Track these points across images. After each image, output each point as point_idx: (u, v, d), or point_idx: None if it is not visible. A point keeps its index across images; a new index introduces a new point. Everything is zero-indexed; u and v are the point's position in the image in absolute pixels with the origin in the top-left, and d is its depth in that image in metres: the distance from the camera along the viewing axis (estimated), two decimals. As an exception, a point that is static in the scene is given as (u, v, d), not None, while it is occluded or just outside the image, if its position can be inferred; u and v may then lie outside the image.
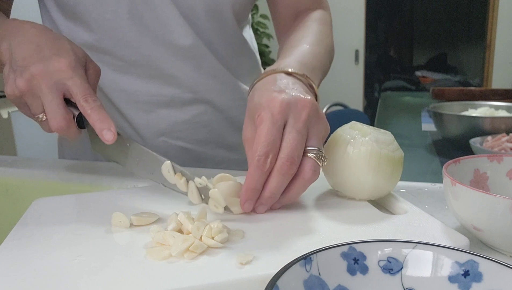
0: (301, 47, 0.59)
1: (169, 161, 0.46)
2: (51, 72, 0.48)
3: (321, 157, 0.44)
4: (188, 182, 0.45)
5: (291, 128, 0.43)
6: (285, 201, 0.44)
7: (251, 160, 0.43)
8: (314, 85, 0.51)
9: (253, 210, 0.44)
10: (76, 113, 0.50)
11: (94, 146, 0.52)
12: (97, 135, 0.49)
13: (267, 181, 0.42)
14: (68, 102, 0.50)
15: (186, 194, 0.46)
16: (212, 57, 0.71)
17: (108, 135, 0.46)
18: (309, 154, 0.43)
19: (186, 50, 0.68)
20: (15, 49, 0.50)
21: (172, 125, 0.73)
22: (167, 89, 0.71)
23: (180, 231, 0.38)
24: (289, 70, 0.49)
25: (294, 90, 0.45)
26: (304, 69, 0.52)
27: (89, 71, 0.53)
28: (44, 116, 0.50)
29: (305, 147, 0.44)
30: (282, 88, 0.45)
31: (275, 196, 0.43)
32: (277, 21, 0.76)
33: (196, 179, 0.45)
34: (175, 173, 0.46)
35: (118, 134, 0.48)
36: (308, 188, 0.44)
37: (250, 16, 0.81)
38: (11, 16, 0.68)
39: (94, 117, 0.47)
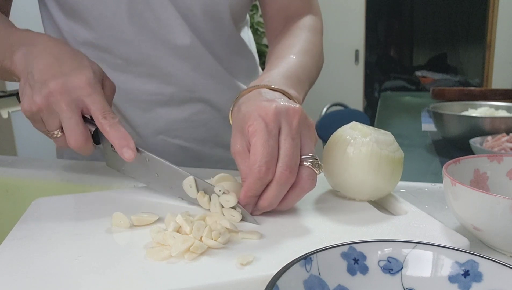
0: (288, 58, 0.58)
1: (192, 177, 0.45)
2: (70, 89, 0.47)
3: (317, 165, 0.43)
4: (210, 197, 0.44)
5: (286, 136, 0.42)
6: (280, 209, 0.44)
7: (246, 173, 0.42)
8: (299, 99, 0.50)
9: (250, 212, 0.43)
10: (92, 129, 0.49)
11: (109, 162, 0.52)
12: (112, 151, 0.49)
13: (265, 191, 0.42)
14: (84, 118, 0.49)
15: (208, 209, 0.45)
16: (210, 57, 0.72)
17: (128, 154, 0.46)
18: (305, 163, 0.43)
19: (184, 49, 0.69)
20: (33, 60, 0.49)
21: (170, 124, 0.74)
22: (166, 88, 0.71)
23: (180, 231, 0.38)
24: (272, 86, 0.48)
25: (282, 100, 0.45)
26: (289, 83, 0.51)
27: (105, 88, 0.52)
28: (59, 133, 0.49)
29: (300, 155, 0.43)
30: (269, 98, 0.45)
31: (272, 206, 0.43)
32: (268, 24, 0.76)
33: (216, 188, 0.43)
34: (197, 189, 0.45)
35: (137, 150, 0.47)
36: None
37: (248, 17, 0.81)
38: (11, 16, 0.68)
39: (113, 134, 0.46)
